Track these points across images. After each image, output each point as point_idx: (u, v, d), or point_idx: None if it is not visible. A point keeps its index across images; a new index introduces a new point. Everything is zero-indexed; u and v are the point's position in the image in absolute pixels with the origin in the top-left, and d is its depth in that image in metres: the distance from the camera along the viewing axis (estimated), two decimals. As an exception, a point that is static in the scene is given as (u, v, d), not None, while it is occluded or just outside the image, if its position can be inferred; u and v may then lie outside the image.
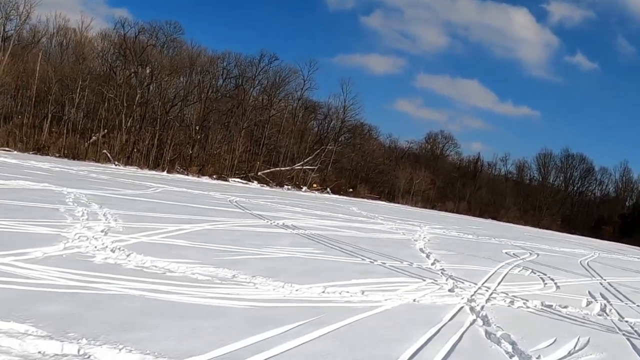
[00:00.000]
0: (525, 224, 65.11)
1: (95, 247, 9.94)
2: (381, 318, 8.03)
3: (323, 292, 9.22)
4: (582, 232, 65.32)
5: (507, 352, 7.19)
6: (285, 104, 66.85)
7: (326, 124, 70.93)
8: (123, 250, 10.02)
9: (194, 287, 8.19)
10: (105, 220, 13.23)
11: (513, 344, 7.57)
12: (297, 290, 9.04)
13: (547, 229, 64.14)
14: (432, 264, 14.55)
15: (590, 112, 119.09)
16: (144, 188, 25.34)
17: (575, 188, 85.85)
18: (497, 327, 8.37)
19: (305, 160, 62.75)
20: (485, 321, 8.68)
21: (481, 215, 68.55)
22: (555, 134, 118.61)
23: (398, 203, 66.09)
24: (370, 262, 13.47)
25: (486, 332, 8.04)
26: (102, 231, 11.60)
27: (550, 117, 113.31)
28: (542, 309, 10.49)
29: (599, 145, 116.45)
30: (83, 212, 13.80)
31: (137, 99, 52.29)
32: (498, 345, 7.46)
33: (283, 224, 19.28)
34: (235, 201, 26.52)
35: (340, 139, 68.41)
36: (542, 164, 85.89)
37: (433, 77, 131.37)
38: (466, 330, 7.98)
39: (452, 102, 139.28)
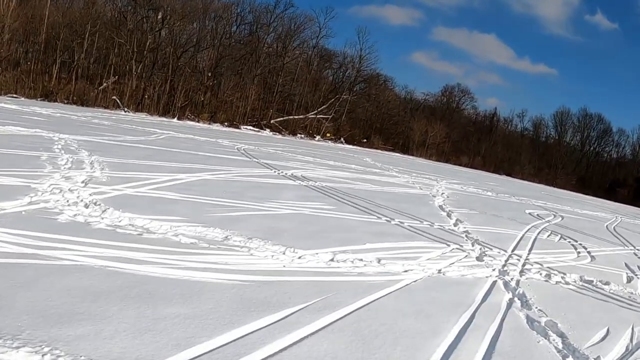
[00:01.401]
0: (540, 182, 63.34)
1: (67, 201, 8.48)
2: (402, 298, 6.55)
3: (332, 260, 7.75)
4: (596, 193, 63.47)
5: (559, 350, 5.71)
6: (300, 52, 64.58)
7: (341, 73, 68.75)
8: (99, 205, 8.57)
9: (172, 253, 6.73)
10: (91, 169, 11.76)
11: (562, 336, 6.12)
12: (300, 257, 7.58)
13: (561, 188, 62.24)
14: (455, 224, 13.03)
15: (609, 73, 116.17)
16: (147, 134, 23.82)
17: (592, 148, 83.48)
18: (539, 310, 6.91)
19: (319, 109, 60.90)
20: (524, 302, 7.20)
21: (496, 171, 66.83)
22: (572, 94, 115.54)
23: (412, 155, 64.44)
24: (387, 221, 11.96)
25: (528, 318, 6.56)
26: (82, 182, 10.13)
27: (568, 76, 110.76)
28: (582, 285, 8.97)
29: (617, 107, 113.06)
30: (67, 160, 12.33)
31: (148, 44, 50.38)
32: (546, 339, 5.98)
33: (292, 174, 17.77)
34: (243, 149, 24.98)
35: (355, 89, 66.39)
36: (559, 122, 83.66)
37: (450, 30, 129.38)
38: (504, 317, 6.49)
39: (469, 56, 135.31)
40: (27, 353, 3.74)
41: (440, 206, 16.54)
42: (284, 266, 7.08)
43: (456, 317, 6.16)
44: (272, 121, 56.48)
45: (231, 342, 4.51)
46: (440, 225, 12.45)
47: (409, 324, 5.71)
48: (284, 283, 6.34)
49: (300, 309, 5.50)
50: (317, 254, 7.86)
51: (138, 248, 6.68)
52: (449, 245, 10.16)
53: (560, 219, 19.56)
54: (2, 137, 14.31)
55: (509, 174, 66.88)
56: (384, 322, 5.60)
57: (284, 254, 7.62)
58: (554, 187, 61.40)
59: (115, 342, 4.13)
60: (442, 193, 20.87)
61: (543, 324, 6.39)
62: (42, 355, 3.73)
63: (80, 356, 3.82)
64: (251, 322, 4.95)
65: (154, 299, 5.17)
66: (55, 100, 44.31)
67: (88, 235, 6.83)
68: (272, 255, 7.44)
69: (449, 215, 14.58)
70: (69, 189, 9.28)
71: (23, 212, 7.43)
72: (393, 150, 63.88)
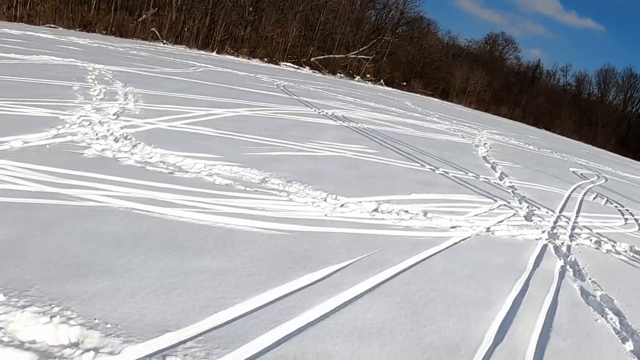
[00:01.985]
0: (579, 139, 61.24)
1: (96, 134, 7.98)
2: (451, 259, 5.91)
3: (376, 210, 7.13)
4: (635, 155, 61.04)
5: (617, 332, 5.03)
6: (343, -10, 62.57)
7: (384, 14, 66.65)
8: (130, 139, 8.06)
9: (206, 195, 6.19)
10: (124, 100, 11.23)
11: (619, 315, 5.44)
12: (342, 206, 6.98)
13: (600, 147, 60.04)
14: (500, 178, 12.24)
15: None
16: (184, 67, 23.18)
17: (634, 109, 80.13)
18: (593, 283, 6.22)
19: (360, 50, 59.30)
20: (577, 272, 6.52)
21: (535, 124, 64.86)
22: (619, 52, 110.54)
23: (452, 102, 62.81)
24: (431, 169, 11.25)
25: (582, 290, 5.88)
26: (113, 114, 9.61)
27: (615, 33, 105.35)
28: (633, 256, 8.15)
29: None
30: (100, 91, 11.80)
31: (188, -25, 49.21)
32: (603, 317, 5.29)
33: (332, 114, 17.05)
34: (283, 85, 24.22)
35: (397, 31, 64.48)
36: (602, 80, 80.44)
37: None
38: (559, 287, 5.82)
39: (515, 4, 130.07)
40: (34, 314, 3.24)
41: (484, 157, 15.71)
42: (326, 215, 6.49)
43: (509, 285, 5.53)
44: (312, 59, 55.30)
45: (267, 304, 3.96)
46: (486, 178, 11.70)
47: (460, 290, 5.10)
48: (325, 235, 5.76)
49: (343, 267, 4.94)
50: (360, 202, 7.25)
51: (168, 189, 6.16)
52: (495, 201, 9.45)
53: (604, 180, 18.46)
54: (34, 67, 13.83)
55: (548, 129, 64.97)
56: (434, 287, 4.99)
57: (325, 200, 7.04)
58: (593, 145, 59.46)
59: (135, 301, 3.62)
60: (485, 143, 19.92)
61: (598, 299, 5.73)
62: (51, 317, 3.23)
63: (95, 318, 3.32)
64: (289, 282, 4.39)
65: (183, 249, 4.64)
66: (93, 31, 43.88)
67: (115, 173, 6.31)
68: (313, 202, 6.86)
69: (493, 168, 13.79)
70: (99, 122, 8.78)
71: (47, 146, 6.94)
72: (432, 96, 62.34)
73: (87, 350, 3.05)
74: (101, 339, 3.15)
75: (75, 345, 3.11)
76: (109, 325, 3.27)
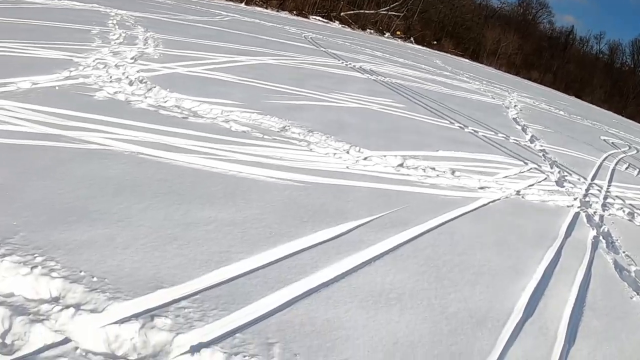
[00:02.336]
0: (609, 109, 59.38)
1: (110, 77, 7.60)
2: (480, 222, 5.47)
3: (401, 165, 6.70)
4: None
5: None
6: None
7: (416, -30, 64.71)
8: (145, 82, 7.68)
9: (220, 142, 5.81)
10: (143, 45, 10.81)
11: None
12: (365, 159, 6.56)
13: (629, 118, 58.16)
14: (531, 141, 11.64)
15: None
16: (211, 15, 22.59)
17: None
18: (627, 257, 5.72)
19: (391, 6, 57.72)
20: (610, 243, 6.03)
21: (565, 90, 63.02)
22: None
23: (482, 63, 61.30)
24: (460, 127, 10.72)
25: (616, 264, 5.41)
26: (131, 58, 9.21)
27: None
28: None
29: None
30: (120, 35, 11.38)
31: None
32: (638, 294, 4.83)
33: (360, 67, 16.46)
34: (311, 37, 23.53)
35: (429, -12, 62.66)
36: (636, 50, 77.35)
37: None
38: (592, 259, 5.36)
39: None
40: (13, 264, 2.90)
41: (514, 119, 15.04)
42: (347, 167, 6.08)
43: (541, 253, 5.08)
44: (342, 14, 54.03)
45: (275, 261, 3.60)
46: (516, 140, 11.13)
47: (489, 256, 4.67)
48: (345, 188, 5.37)
49: (363, 224, 4.54)
50: (385, 156, 6.82)
51: (180, 134, 5.78)
52: (526, 164, 8.93)
53: (635, 151, 17.65)
54: (55, 11, 13.44)
55: (578, 96, 63.17)
56: (461, 252, 4.58)
57: (347, 152, 6.62)
58: (622, 116, 57.74)
59: (129, 253, 3.27)
60: (515, 105, 19.14)
61: (633, 275, 5.25)
62: (31, 268, 2.89)
63: (80, 271, 2.98)
64: (303, 237, 4.01)
65: (189, 198, 4.28)
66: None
67: (125, 116, 5.94)
68: (335, 153, 6.45)
69: (524, 130, 13.16)
70: (114, 65, 8.39)
71: (56, 87, 6.58)
72: (463, 56, 60.83)
73: (67, 307, 2.71)
74: (84, 294, 2.81)
75: (55, 300, 2.78)
76: (95, 279, 2.93)
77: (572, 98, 56.33)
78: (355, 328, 3.12)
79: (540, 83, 62.94)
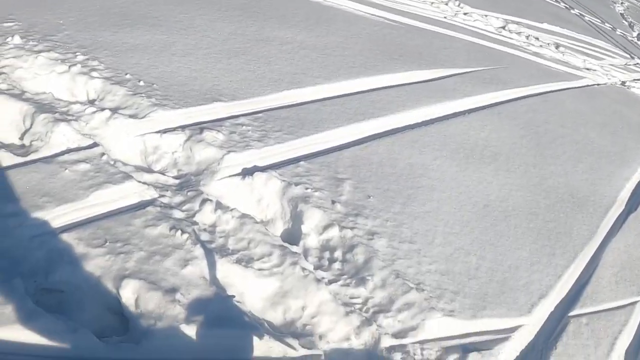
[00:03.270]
0: None
1: None
2: (583, 101, 4.87)
3: (503, 28, 6.00)
4: None
5: None
6: None
7: None
8: None
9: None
10: None
11: None
12: (466, 14, 5.88)
13: None
14: (638, 38, 10.50)
15: None
16: None
17: None
18: None
19: None
20: None
21: None
22: None
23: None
24: (566, 7, 9.69)
25: None
26: None
27: None
28: None
29: None
30: None
31: None
32: None
33: None
34: None
35: None
36: None
37: None
38: None
39: None
40: (50, 61, 2.50)
41: (622, 14, 13.63)
42: (445, 17, 5.45)
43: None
44: None
45: (357, 93, 3.17)
46: (623, 33, 10.04)
47: (593, 137, 4.12)
48: (442, 36, 4.80)
49: (459, 74, 4.04)
50: (486, 16, 6.12)
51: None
52: (632, 58, 8.03)
53: None
54: None
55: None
56: (563, 124, 4.05)
57: (446, 4, 5.94)
58: None
59: (186, 61, 2.86)
60: (622, 2, 17.42)
61: None
62: (69, 66, 2.49)
63: (126, 73, 2.58)
64: (391, 73, 3.56)
65: (266, 16, 3.82)
66: None
67: None
68: (432, 2, 5.79)
69: (630, 27, 11.89)
70: None
71: None
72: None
73: (102, 109, 2.32)
74: (126, 98, 2.42)
75: (90, 102, 2.39)
76: (141, 83, 2.53)
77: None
78: (442, 179, 2.71)
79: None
